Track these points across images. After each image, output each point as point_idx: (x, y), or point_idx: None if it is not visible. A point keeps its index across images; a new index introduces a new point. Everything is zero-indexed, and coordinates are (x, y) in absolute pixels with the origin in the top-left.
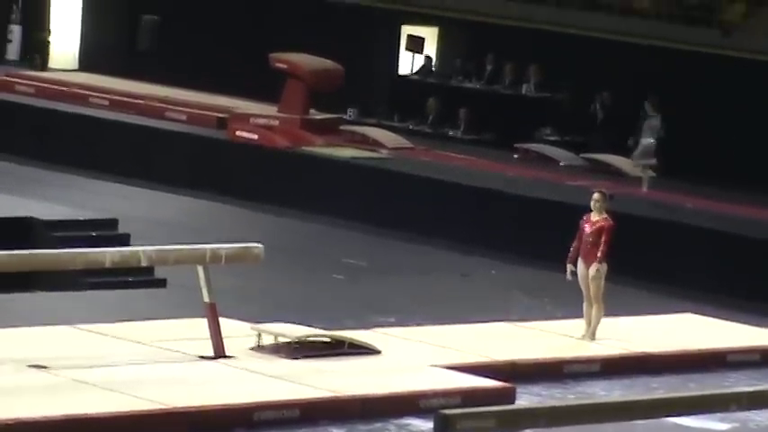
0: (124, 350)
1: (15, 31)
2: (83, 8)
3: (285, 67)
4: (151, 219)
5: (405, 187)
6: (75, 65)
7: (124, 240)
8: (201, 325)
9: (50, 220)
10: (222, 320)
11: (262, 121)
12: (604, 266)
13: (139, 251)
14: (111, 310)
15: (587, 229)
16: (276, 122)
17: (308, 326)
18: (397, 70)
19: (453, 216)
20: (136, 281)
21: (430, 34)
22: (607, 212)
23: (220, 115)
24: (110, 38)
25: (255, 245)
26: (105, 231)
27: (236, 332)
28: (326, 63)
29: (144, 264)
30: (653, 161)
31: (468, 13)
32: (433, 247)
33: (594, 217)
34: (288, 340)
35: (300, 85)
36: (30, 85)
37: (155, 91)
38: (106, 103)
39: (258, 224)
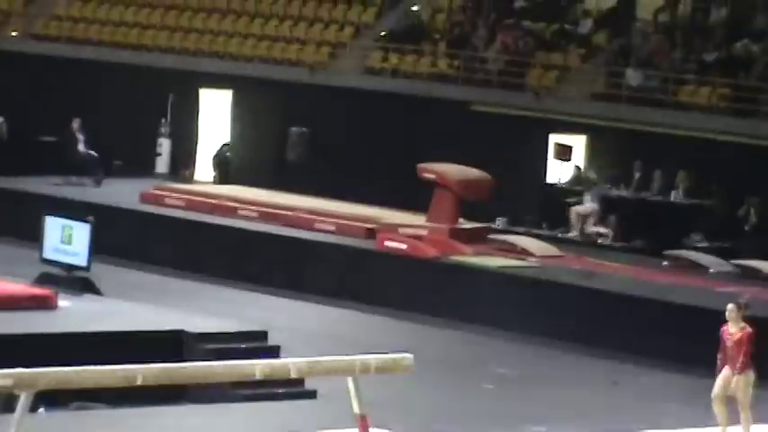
0: None
1: (164, 145)
2: (231, 120)
3: (433, 177)
4: (301, 330)
5: (554, 296)
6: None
7: (274, 352)
8: None
9: (201, 333)
10: (373, 431)
11: (410, 231)
12: (751, 375)
13: (289, 363)
14: (262, 422)
15: (728, 342)
16: (425, 232)
17: None
18: (545, 178)
19: (603, 323)
20: (286, 392)
21: (578, 142)
22: (746, 320)
23: (369, 226)
24: (258, 150)
25: (405, 355)
26: (255, 343)
27: None
28: (474, 172)
29: (294, 375)
30: None
31: (615, 121)
32: (584, 355)
33: (732, 328)
34: None
35: (449, 195)
36: (179, 198)
37: (304, 202)
38: (255, 214)
39: (408, 334)
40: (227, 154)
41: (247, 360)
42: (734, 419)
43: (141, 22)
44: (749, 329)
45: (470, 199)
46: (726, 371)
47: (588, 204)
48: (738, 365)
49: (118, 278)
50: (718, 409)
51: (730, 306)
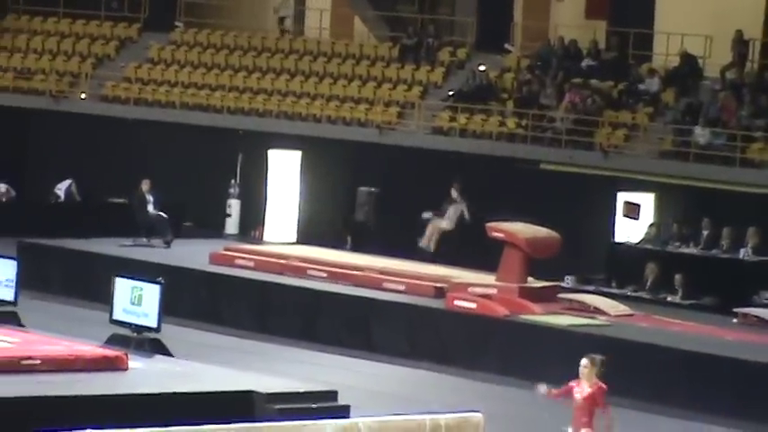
0: None
1: (234, 206)
2: (300, 181)
3: (502, 235)
4: (371, 389)
5: (625, 354)
6: (293, 237)
7: (344, 412)
8: None
9: (271, 393)
10: None
11: (480, 290)
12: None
13: (359, 422)
14: None
15: (577, 397)
16: (494, 291)
17: None
18: (614, 236)
19: (675, 383)
20: None
21: (646, 200)
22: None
23: (438, 285)
24: (327, 210)
25: (475, 414)
26: (325, 403)
27: None
28: (543, 231)
29: None
30: None
31: (684, 179)
32: (656, 414)
33: (584, 384)
34: None
35: (518, 254)
36: (249, 259)
37: (372, 262)
38: (324, 275)
39: (477, 393)
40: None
41: (318, 419)
42: None
43: (210, 83)
44: (602, 386)
45: (539, 257)
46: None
47: (446, 219)
48: (586, 422)
49: (188, 339)
50: None
51: (584, 361)
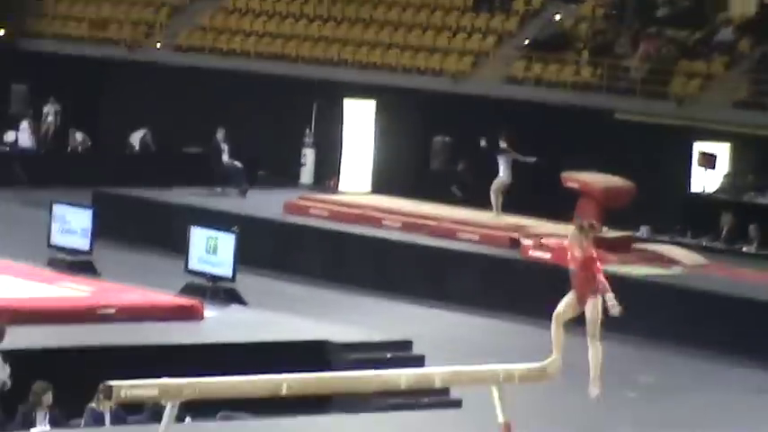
0: None
1: (309, 155)
2: (375, 131)
3: (576, 185)
4: (445, 339)
5: (700, 305)
6: (368, 187)
7: (419, 361)
8: None
9: (346, 343)
10: None
11: (555, 240)
12: (598, 300)
13: (434, 372)
14: (408, 431)
15: (572, 266)
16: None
17: None
18: (689, 187)
19: (749, 333)
20: (431, 402)
21: (722, 150)
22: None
23: (513, 235)
24: (402, 159)
25: (549, 363)
26: (400, 353)
27: None
28: (618, 181)
29: (438, 385)
30: None
31: (760, 129)
32: (729, 364)
33: (576, 252)
34: None
35: (592, 204)
36: (323, 208)
37: (447, 212)
38: (399, 225)
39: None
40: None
41: (392, 370)
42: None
43: (285, 32)
44: (593, 253)
45: (614, 207)
46: (571, 295)
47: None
48: (583, 291)
49: (262, 288)
50: (555, 330)
51: (573, 231)
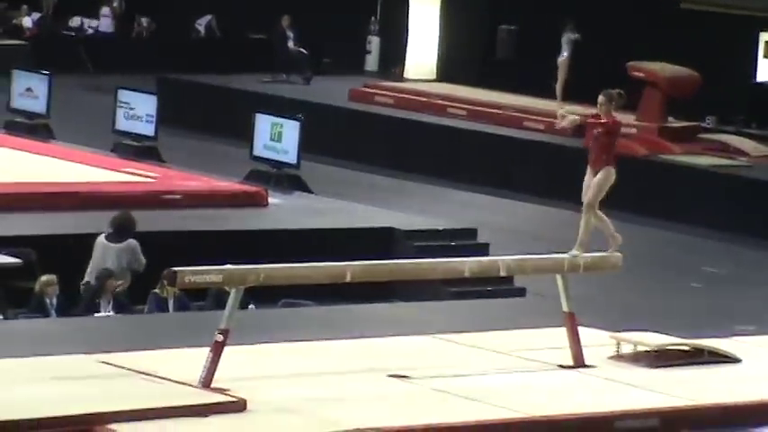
0: (483, 359)
1: (374, 42)
2: (441, 19)
3: (642, 75)
4: (510, 228)
5: (765, 195)
6: (433, 75)
7: (483, 250)
8: (560, 334)
9: (410, 230)
10: (581, 329)
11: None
12: (611, 172)
13: (498, 261)
14: (471, 319)
15: (593, 133)
16: (634, 131)
17: (666, 335)
18: (755, 77)
19: None
20: (495, 290)
21: None
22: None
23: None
24: (468, 48)
25: (614, 253)
26: (464, 241)
27: (595, 341)
28: (684, 71)
29: (503, 273)
30: None
31: None
32: None
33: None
34: (647, 349)
35: (658, 94)
36: (389, 96)
37: (513, 101)
38: (464, 113)
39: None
40: None
41: (456, 257)
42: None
43: None
44: (617, 120)
45: (679, 97)
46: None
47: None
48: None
49: (327, 176)
50: (597, 221)
51: (600, 98)
